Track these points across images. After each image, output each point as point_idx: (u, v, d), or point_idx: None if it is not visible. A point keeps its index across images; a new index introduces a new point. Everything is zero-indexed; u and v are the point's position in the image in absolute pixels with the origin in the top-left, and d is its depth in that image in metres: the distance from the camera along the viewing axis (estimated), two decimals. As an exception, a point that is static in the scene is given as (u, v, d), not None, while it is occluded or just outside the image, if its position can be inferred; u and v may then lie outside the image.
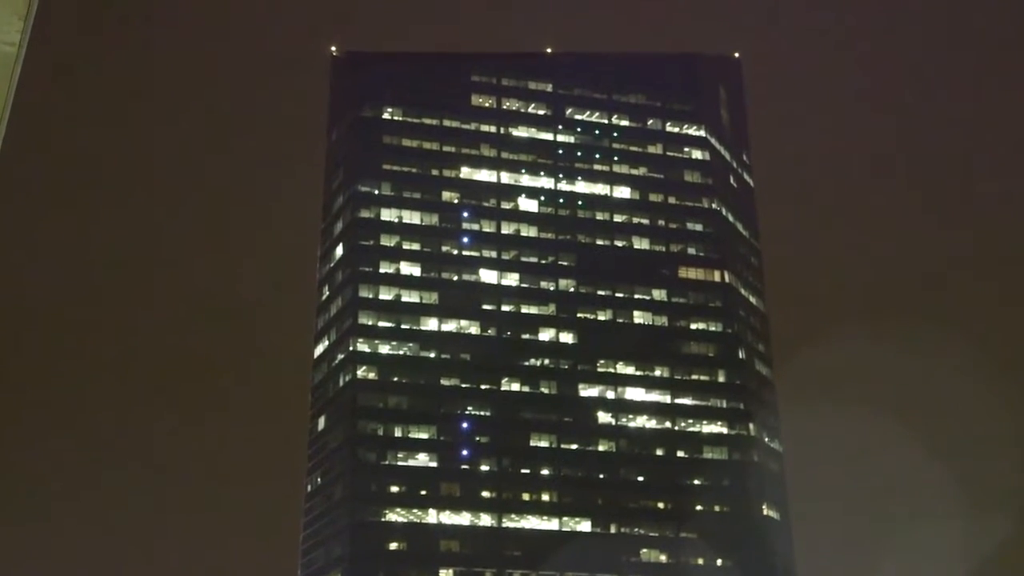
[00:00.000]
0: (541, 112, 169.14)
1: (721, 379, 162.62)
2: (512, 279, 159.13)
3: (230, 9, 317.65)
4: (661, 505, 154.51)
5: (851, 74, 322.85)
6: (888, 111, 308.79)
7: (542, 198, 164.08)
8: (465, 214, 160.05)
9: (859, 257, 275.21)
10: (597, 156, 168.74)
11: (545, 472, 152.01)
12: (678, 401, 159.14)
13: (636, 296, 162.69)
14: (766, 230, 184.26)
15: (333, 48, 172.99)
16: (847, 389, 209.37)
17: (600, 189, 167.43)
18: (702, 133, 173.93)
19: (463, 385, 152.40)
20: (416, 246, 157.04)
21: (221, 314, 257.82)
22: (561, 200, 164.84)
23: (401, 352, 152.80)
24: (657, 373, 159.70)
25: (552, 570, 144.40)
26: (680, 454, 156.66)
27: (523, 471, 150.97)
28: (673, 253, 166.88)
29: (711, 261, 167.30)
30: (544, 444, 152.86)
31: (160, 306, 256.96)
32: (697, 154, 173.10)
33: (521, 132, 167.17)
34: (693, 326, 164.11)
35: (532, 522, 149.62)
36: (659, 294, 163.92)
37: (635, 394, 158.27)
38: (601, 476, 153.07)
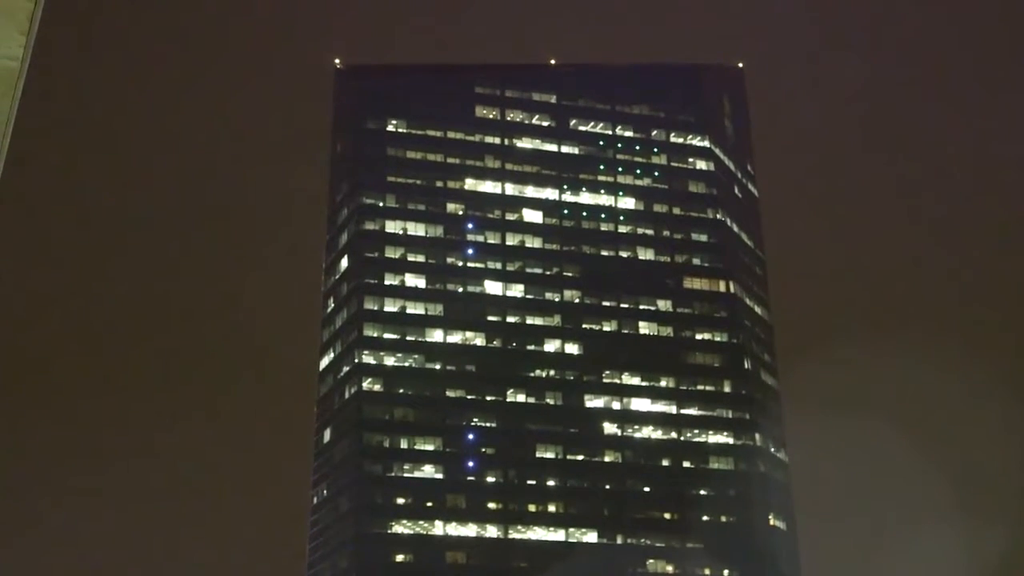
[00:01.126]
0: (545, 123, 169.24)
1: (727, 389, 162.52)
2: (517, 290, 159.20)
3: (234, 22, 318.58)
4: (667, 516, 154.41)
5: (855, 84, 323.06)
6: (892, 120, 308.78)
7: (547, 209, 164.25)
8: (470, 225, 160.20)
9: (864, 266, 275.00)
10: (601, 167, 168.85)
11: (551, 483, 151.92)
12: (684, 411, 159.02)
13: (641, 307, 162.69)
14: (771, 240, 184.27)
15: (337, 60, 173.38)
16: (853, 399, 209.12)
17: (604, 200, 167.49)
18: (706, 143, 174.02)
19: (469, 396, 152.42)
20: (421, 258, 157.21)
21: (226, 326, 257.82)
22: (566, 211, 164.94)
23: (406, 364, 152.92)
24: (663, 384, 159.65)
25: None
26: (686, 464, 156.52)
27: (529, 482, 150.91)
28: (678, 263, 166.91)
29: (716, 271, 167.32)
30: (550, 455, 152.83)
31: (164, 318, 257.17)
32: (701, 164, 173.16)
33: (525, 143, 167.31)
34: (698, 336, 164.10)
35: (538, 533, 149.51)
36: (664, 304, 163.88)
37: (641, 405, 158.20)
38: (607, 487, 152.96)
